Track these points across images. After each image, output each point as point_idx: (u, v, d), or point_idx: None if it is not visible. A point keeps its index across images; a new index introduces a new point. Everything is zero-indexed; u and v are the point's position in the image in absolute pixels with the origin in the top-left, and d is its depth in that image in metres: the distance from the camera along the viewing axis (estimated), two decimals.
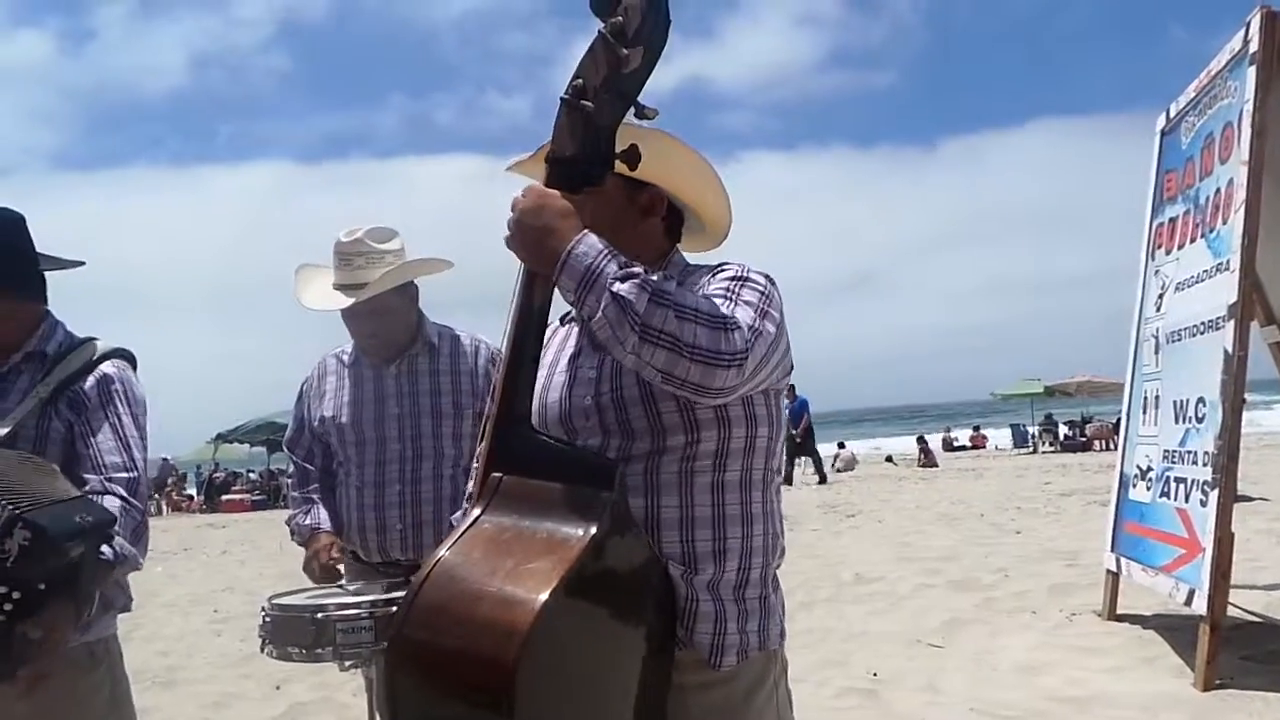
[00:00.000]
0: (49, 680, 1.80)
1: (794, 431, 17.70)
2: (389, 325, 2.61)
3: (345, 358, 2.73)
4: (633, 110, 1.37)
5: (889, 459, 26.74)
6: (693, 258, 1.69)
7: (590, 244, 1.32)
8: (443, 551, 1.22)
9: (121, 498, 1.88)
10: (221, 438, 26.68)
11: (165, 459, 26.48)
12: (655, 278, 1.35)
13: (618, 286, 1.29)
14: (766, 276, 1.53)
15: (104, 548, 1.78)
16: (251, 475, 28.30)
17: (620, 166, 1.40)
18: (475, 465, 1.40)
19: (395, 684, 1.19)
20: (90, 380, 1.97)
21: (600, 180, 1.39)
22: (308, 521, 2.67)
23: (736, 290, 1.47)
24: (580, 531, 1.22)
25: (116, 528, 1.81)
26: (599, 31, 1.32)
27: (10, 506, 1.58)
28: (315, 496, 2.71)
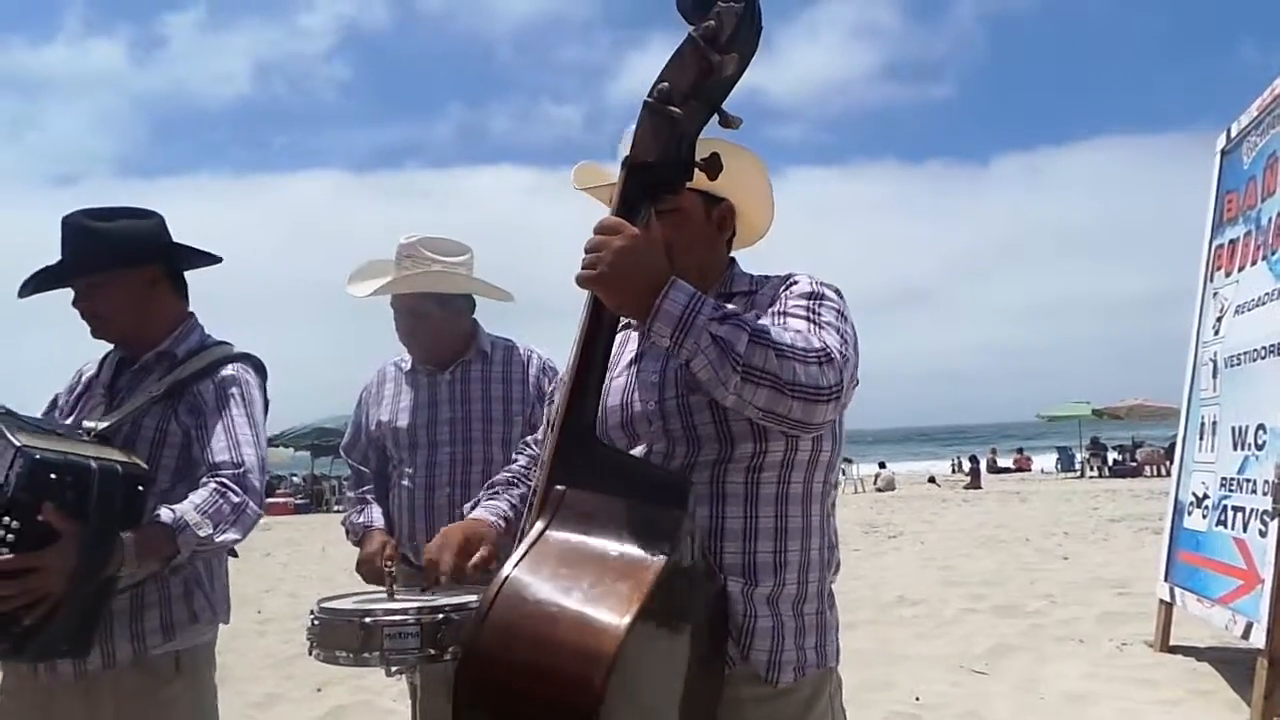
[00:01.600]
0: (131, 684, 1.83)
1: None
2: (421, 328, 2.68)
3: (403, 365, 2.81)
4: (716, 118, 1.32)
5: (931, 479, 26.40)
6: (755, 258, 1.69)
7: (681, 289, 1.31)
8: (510, 570, 1.19)
9: (220, 482, 1.85)
10: (269, 441, 27.05)
11: None
12: (750, 315, 1.33)
13: (716, 329, 1.28)
14: (837, 291, 1.52)
15: (162, 509, 1.76)
16: (295, 479, 28.68)
17: (698, 178, 1.35)
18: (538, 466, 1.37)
19: (464, 704, 1.16)
20: (209, 384, 1.97)
21: (680, 188, 1.36)
22: (361, 520, 2.73)
23: (817, 310, 1.46)
24: (656, 553, 1.19)
25: (197, 498, 1.79)
26: (689, 35, 1.26)
27: (14, 442, 1.62)
28: (370, 497, 2.78)
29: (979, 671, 4.95)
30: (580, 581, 1.17)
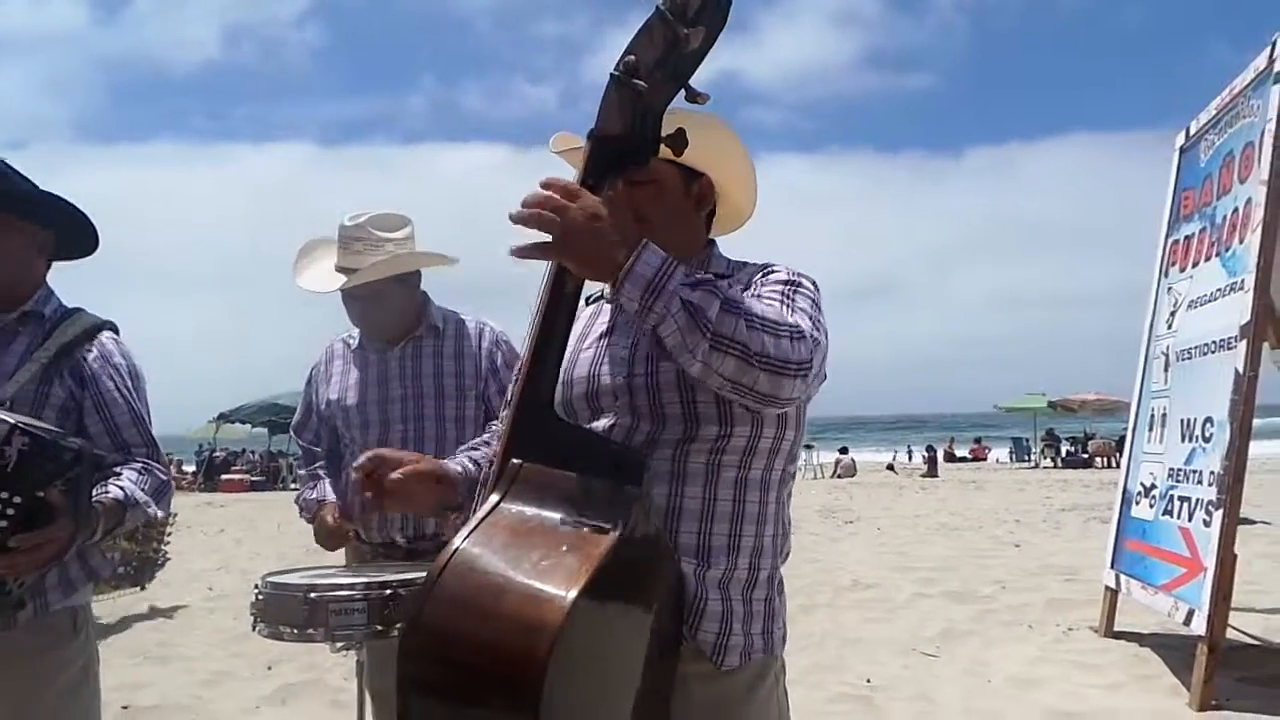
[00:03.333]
0: (30, 643, 1.83)
1: None
2: (380, 309, 2.62)
3: (351, 342, 2.75)
4: (683, 93, 1.31)
5: (890, 467, 26.75)
6: (725, 248, 1.66)
7: (654, 251, 1.28)
8: (460, 541, 1.18)
9: (145, 463, 1.97)
10: (224, 417, 26.70)
11: None
12: (723, 284, 1.31)
13: (688, 294, 1.26)
14: (814, 282, 1.51)
15: (111, 487, 1.86)
16: (252, 455, 28.31)
17: (668, 152, 1.33)
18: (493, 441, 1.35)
19: (408, 675, 1.14)
20: (93, 351, 1.98)
21: (645, 162, 1.34)
22: (313, 495, 2.70)
23: (791, 296, 1.45)
24: (608, 527, 1.19)
25: (132, 476, 1.90)
26: (657, 7, 1.26)
27: (6, 419, 1.67)
28: (321, 472, 2.74)
29: (929, 654, 5.02)
30: (530, 554, 1.16)
